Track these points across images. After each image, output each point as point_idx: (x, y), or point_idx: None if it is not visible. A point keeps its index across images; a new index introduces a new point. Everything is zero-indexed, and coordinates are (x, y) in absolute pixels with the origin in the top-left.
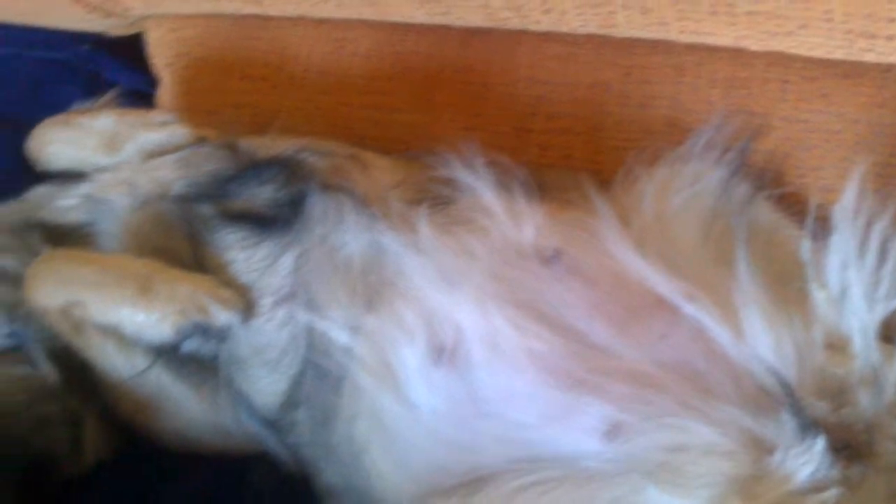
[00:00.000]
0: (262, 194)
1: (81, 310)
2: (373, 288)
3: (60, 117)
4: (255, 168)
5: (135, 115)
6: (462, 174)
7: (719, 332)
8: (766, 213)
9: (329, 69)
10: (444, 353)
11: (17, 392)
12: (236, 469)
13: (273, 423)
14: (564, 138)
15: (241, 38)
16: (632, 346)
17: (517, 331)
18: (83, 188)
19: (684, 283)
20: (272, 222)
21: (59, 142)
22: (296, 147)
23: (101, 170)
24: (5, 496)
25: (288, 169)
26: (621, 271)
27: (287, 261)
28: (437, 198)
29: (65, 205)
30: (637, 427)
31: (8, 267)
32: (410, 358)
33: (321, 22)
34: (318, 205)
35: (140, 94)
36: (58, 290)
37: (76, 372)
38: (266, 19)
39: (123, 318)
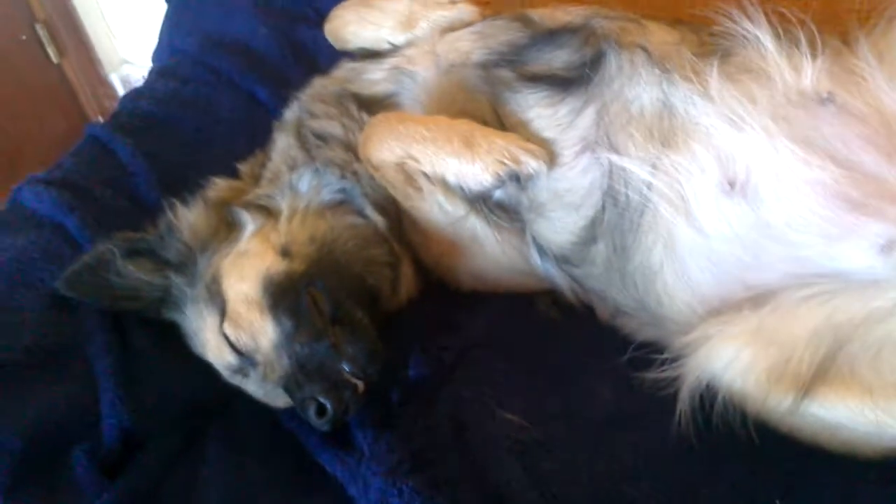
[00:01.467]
0: (558, 58)
1: (413, 162)
2: (667, 132)
3: (356, 0)
4: (550, 35)
5: None
6: (745, 26)
7: None
8: None
9: None
10: (735, 185)
11: (349, 238)
12: (525, 300)
13: (565, 259)
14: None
15: None
16: None
17: (801, 163)
18: (389, 62)
19: None
20: (571, 81)
21: (357, 22)
22: (585, 14)
23: (401, 46)
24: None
25: (582, 34)
26: (887, 108)
27: (588, 114)
28: (721, 51)
29: (373, 77)
30: None
31: (336, 132)
32: (705, 190)
33: None
34: (614, 62)
35: None
36: (395, 146)
37: (395, 222)
38: None
39: (450, 169)
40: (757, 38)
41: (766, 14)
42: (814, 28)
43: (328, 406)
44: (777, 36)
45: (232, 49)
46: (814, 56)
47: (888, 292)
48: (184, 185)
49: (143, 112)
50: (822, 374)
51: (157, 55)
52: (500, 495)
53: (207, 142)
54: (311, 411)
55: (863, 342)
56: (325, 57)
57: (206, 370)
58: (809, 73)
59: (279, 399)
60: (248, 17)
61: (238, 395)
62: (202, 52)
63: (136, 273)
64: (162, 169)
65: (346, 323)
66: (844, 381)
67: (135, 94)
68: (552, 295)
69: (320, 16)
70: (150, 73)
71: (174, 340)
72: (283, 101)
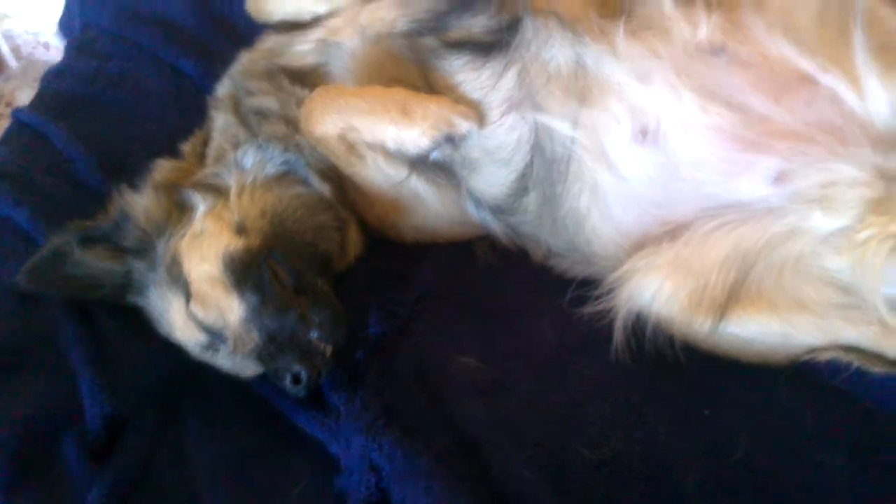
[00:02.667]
0: (477, 23)
1: (355, 133)
2: (583, 89)
3: None
4: (466, 1)
5: None
6: None
7: (848, 94)
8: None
9: None
10: (647, 133)
11: (298, 208)
12: (464, 248)
13: (499, 209)
14: None
15: None
16: (787, 112)
17: (701, 111)
18: (315, 34)
19: (819, 59)
20: (492, 46)
21: None
22: None
23: (324, 16)
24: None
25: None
26: (769, 54)
27: (510, 76)
28: (625, 10)
29: (301, 49)
30: (798, 171)
31: (273, 107)
32: (621, 140)
33: None
34: (530, 26)
35: None
36: (336, 119)
37: (339, 188)
38: None
39: (389, 136)
40: None
41: None
42: None
43: (302, 374)
44: None
45: (149, 21)
46: (708, 12)
47: (783, 218)
48: (123, 165)
49: (69, 92)
50: (734, 295)
51: (65, 26)
52: (467, 435)
53: (140, 119)
54: (287, 380)
55: (766, 264)
56: (243, 24)
57: (174, 349)
58: (704, 28)
59: (248, 369)
60: None
61: (209, 368)
62: (119, 25)
63: (95, 261)
64: (99, 151)
65: (309, 292)
66: (753, 300)
67: (56, 73)
68: (489, 240)
69: None
70: (67, 49)
71: (140, 323)
72: (209, 72)
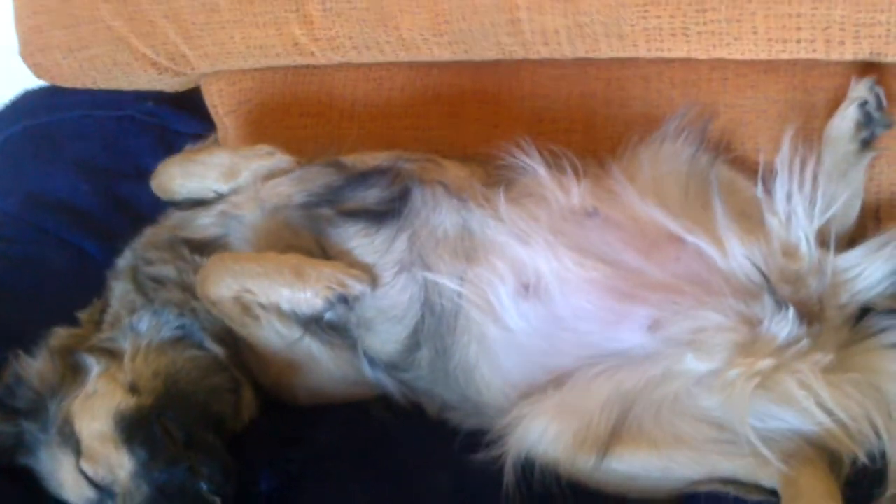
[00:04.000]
0: (371, 195)
1: (249, 295)
2: (469, 249)
3: (179, 156)
4: (362, 177)
5: (245, 149)
6: (523, 159)
7: (711, 251)
8: (725, 171)
9: (372, 102)
10: (528, 288)
11: (191, 370)
12: (360, 408)
13: (394, 366)
14: (566, 136)
15: (294, 85)
16: (657, 267)
17: (578, 266)
18: (217, 208)
19: (684, 221)
20: (384, 214)
21: (183, 175)
22: (390, 157)
23: (226, 193)
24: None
25: (390, 174)
26: (640, 217)
27: (402, 240)
28: (505, 180)
29: (202, 223)
30: (670, 319)
31: (171, 275)
32: (504, 295)
33: (360, 66)
34: (419, 196)
35: (202, 137)
36: (231, 283)
37: (233, 350)
38: (314, 68)
39: (284, 297)
40: (533, 168)
41: (538, 149)
42: (575, 159)
43: None
44: (549, 165)
45: (55, 207)
46: (578, 180)
47: (659, 362)
48: (20, 339)
49: None
50: (616, 433)
51: None
52: None
53: (41, 297)
54: None
55: (645, 404)
56: (147, 209)
57: None
58: (576, 194)
59: None
60: (68, 176)
61: None
62: (24, 211)
63: None
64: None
65: (199, 446)
66: (634, 438)
67: None
68: (385, 400)
69: (140, 172)
70: None
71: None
72: (113, 252)
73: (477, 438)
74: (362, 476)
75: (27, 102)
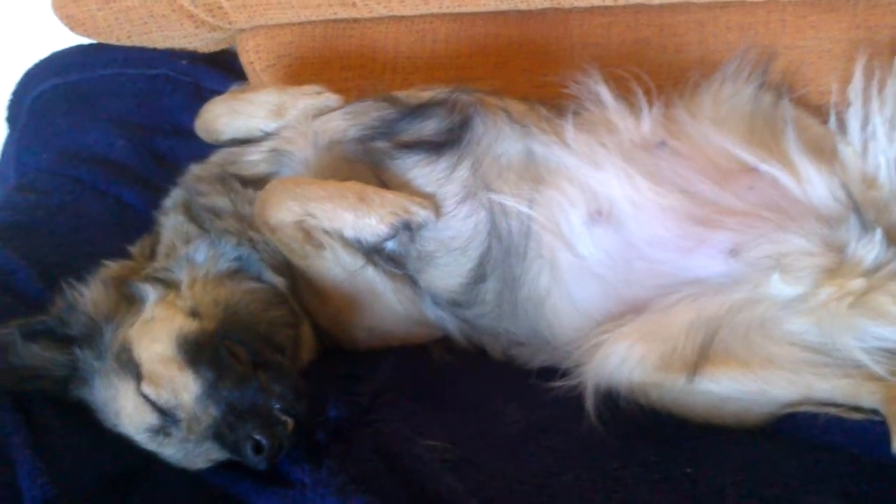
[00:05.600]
0: (428, 127)
1: (311, 220)
2: (536, 175)
3: (225, 95)
4: (418, 108)
5: (293, 88)
6: (589, 88)
7: (787, 179)
8: (789, 110)
9: (416, 54)
10: (601, 214)
11: (250, 302)
12: (419, 350)
13: (457, 303)
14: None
15: (334, 38)
16: (731, 195)
17: (654, 193)
18: (266, 144)
19: (756, 150)
20: (444, 144)
21: (229, 114)
22: (447, 90)
23: (273, 133)
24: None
25: (448, 104)
26: (710, 148)
27: (464, 167)
28: (570, 110)
29: (252, 159)
30: (751, 244)
31: (226, 206)
32: (576, 219)
33: (402, 18)
34: (480, 123)
35: None
36: (293, 206)
37: (293, 283)
38: (354, 21)
39: (347, 223)
40: (599, 95)
41: (604, 78)
42: (649, 82)
43: (264, 442)
44: (617, 96)
45: (90, 160)
46: (649, 107)
47: (742, 287)
48: (66, 278)
49: (7, 223)
50: (704, 355)
51: (1, 175)
52: (443, 500)
53: (82, 242)
54: (248, 449)
55: (731, 328)
56: (185, 163)
57: (120, 444)
58: (647, 122)
59: (199, 459)
60: (103, 132)
61: (158, 463)
62: (58, 165)
63: (39, 352)
64: (41, 267)
65: (269, 366)
66: (724, 359)
67: None
68: (444, 342)
69: (176, 129)
70: (4, 194)
71: (84, 419)
72: (152, 201)
73: (547, 374)
74: (430, 409)
75: (56, 61)
